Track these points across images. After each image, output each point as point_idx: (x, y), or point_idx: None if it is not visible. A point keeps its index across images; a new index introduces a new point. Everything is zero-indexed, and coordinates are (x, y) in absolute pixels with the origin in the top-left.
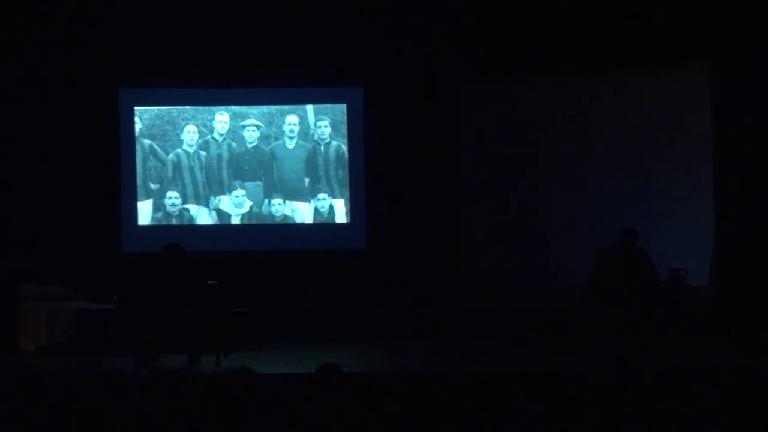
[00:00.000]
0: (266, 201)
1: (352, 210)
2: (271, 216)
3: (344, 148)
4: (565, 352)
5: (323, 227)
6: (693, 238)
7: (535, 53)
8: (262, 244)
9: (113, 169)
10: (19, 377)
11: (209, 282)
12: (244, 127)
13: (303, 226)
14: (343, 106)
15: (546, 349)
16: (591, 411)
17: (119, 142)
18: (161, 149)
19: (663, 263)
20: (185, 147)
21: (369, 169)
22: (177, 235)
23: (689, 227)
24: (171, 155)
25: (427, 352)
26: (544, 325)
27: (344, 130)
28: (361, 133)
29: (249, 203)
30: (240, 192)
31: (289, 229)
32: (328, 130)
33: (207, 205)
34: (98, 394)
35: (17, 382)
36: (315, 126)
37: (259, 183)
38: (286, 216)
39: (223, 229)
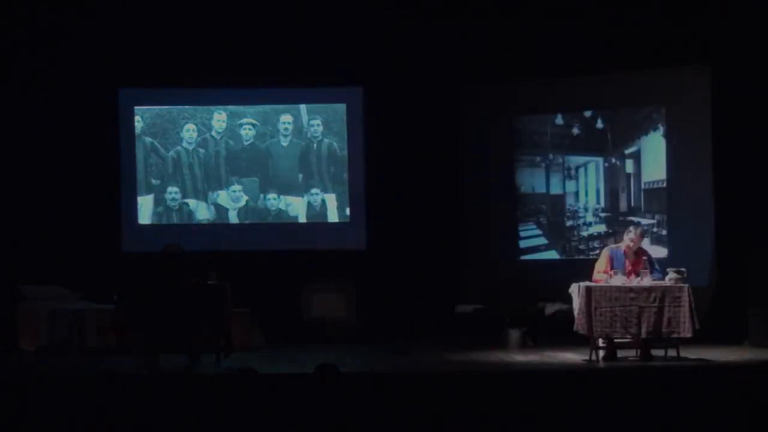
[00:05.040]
0: (262, 196)
1: (352, 210)
2: (267, 210)
3: (336, 145)
4: (564, 352)
5: (323, 227)
6: (693, 238)
7: (535, 53)
8: (263, 245)
9: (113, 169)
10: (19, 377)
11: (209, 282)
12: (240, 125)
13: (303, 226)
14: (336, 106)
15: (546, 349)
16: (590, 410)
17: (119, 142)
18: (162, 147)
19: (663, 263)
20: (185, 144)
21: (369, 169)
22: (177, 235)
23: (689, 227)
24: (171, 152)
25: (427, 352)
26: (545, 325)
27: (337, 128)
28: (361, 133)
29: (245, 198)
30: (237, 187)
31: (289, 229)
32: (321, 128)
33: (205, 199)
34: (98, 394)
35: (17, 382)
36: (308, 125)
37: (255, 179)
38: (280, 210)
39: (223, 229)
